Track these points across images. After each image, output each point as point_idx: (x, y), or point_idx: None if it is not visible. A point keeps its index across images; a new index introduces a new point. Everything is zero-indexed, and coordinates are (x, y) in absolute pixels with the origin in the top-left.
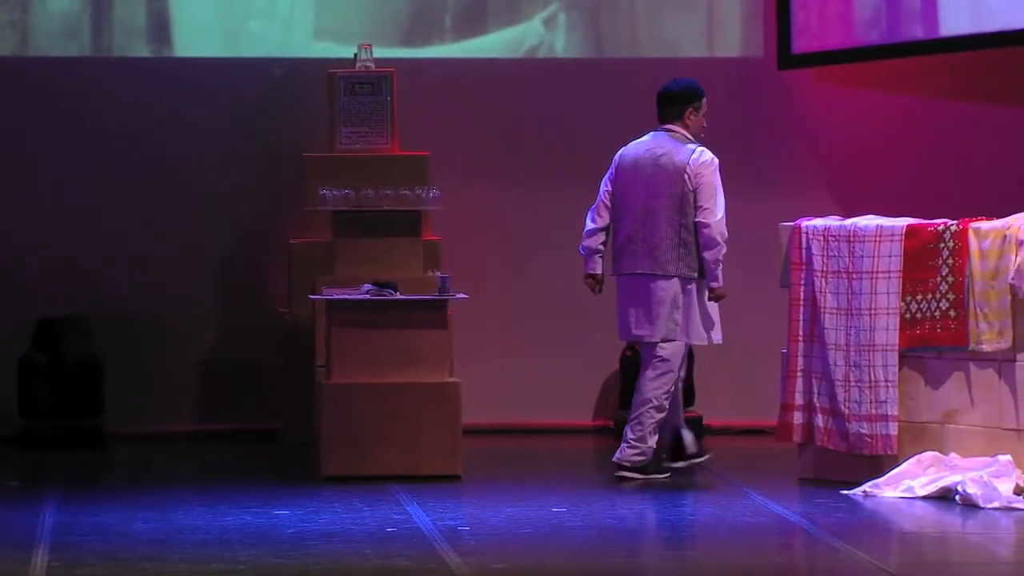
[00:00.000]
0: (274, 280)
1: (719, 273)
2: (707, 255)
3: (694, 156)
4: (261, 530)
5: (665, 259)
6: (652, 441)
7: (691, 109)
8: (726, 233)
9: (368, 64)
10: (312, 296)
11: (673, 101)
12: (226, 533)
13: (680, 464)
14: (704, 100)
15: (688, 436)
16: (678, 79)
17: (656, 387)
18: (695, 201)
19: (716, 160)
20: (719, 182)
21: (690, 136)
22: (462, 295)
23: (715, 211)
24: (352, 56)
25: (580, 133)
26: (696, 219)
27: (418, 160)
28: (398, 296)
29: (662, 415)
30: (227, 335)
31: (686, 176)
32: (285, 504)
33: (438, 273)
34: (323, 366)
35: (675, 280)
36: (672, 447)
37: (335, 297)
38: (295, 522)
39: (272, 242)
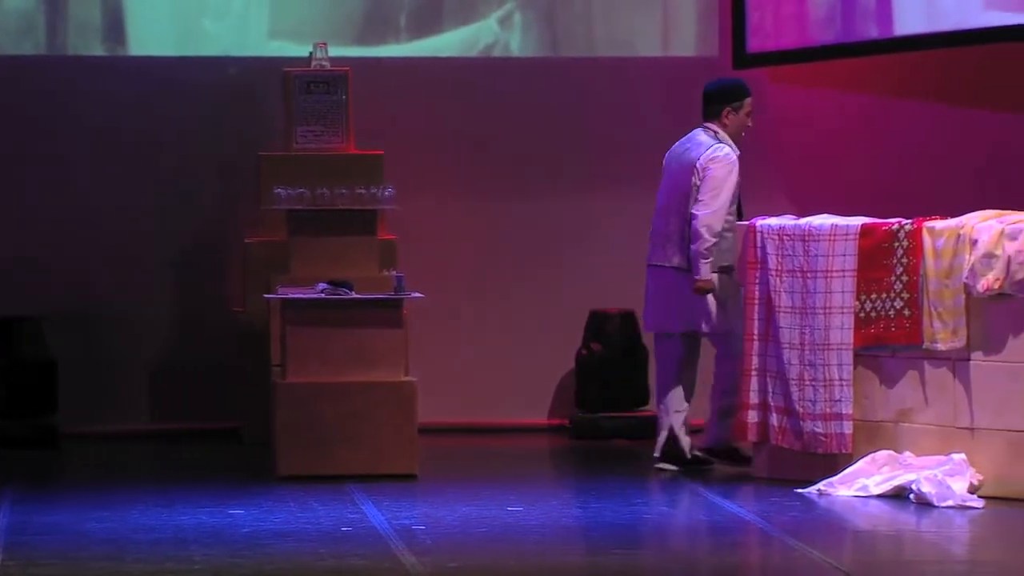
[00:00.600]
0: (230, 279)
1: (701, 265)
2: (692, 247)
3: (707, 152)
4: (216, 529)
5: (672, 251)
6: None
7: (729, 108)
8: (716, 227)
9: (323, 63)
10: (267, 295)
11: (711, 100)
12: (181, 532)
13: (672, 467)
14: (747, 100)
15: (686, 440)
16: (721, 78)
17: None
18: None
19: (732, 157)
20: (727, 178)
21: (727, 135)
22: (417, 294)
23: (709, 204)
24: (307, 55)
25: (535, 132)
26: (690, 209)
27: (373, 159)
28: (353, 295)
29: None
30: (183, 334)
31: (695, 170)
32: (240, 503)
33: (393, 272)
34: (278, 365)
35: (671, 271)
36: (668, 448)
37: (290, 296)
38: (250, 521)
39: (227, 241)
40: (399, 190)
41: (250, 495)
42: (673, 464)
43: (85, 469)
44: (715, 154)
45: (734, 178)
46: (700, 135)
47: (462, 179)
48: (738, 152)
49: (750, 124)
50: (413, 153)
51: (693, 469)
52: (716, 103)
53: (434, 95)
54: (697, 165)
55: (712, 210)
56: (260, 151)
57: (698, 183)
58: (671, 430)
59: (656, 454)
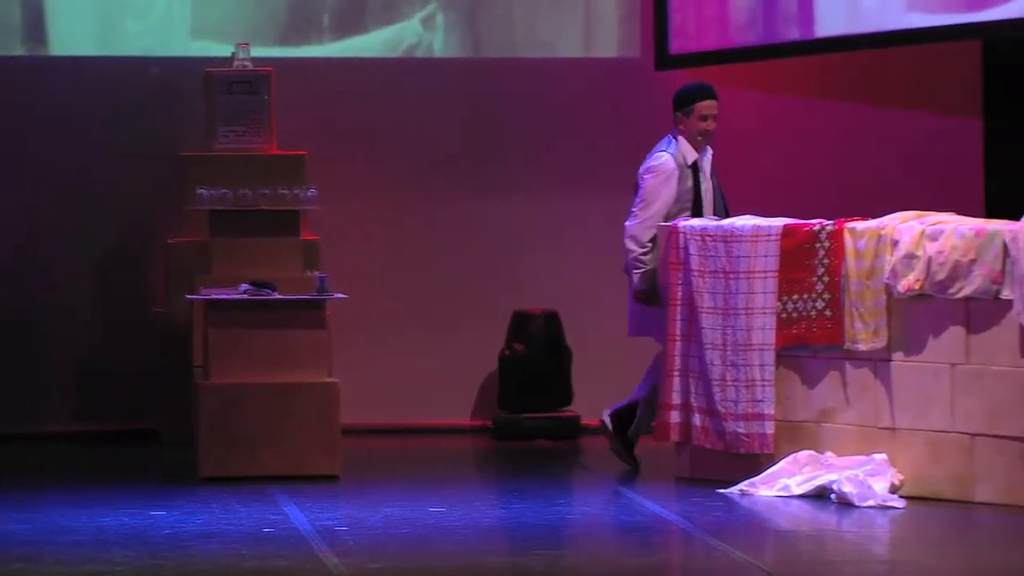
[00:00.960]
0: (151, 280)
1: (633, 276)
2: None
3: (647, 161)
4: (137, 531)
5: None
6: None
7: (680, 114)
8: (642, 238)
9: (246, 63)
10: (189, 296)
11: (673, 106)
12: (102, 534)
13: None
14: (696, 105)
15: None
16: (686, 84)
17: None
18: None
19: (668, 166)
20: (659, 188)
21: (686, 140)
22: (341, 295)
23: (637, 215)
24: (230, 55)
25: (457, 133)
26: None
27: (296, 159)
28: (276, 296)
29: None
30: (104, 335)
31: (637, 178)
32: (162, 505)
33: (316, 273)
34: (200, 366)
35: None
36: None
37: (212, 297)
38: (172, 523)
39: (149, 241)
40: (322, 190)
41: (172, 496)
42: (617, 436)
43: (4, 470)
44: (651, 163)
45: (669, 188)
46: (661, 143)
47: (385, 180)
48: (695, 157)
49: (707, 127)
50: (336, 153)
51: (618, 449)
52: (673, 110)
53: (357, 95)
54: (639, 173)
55: (639, 221)
56: (182, 151)
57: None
58: (641, 420)
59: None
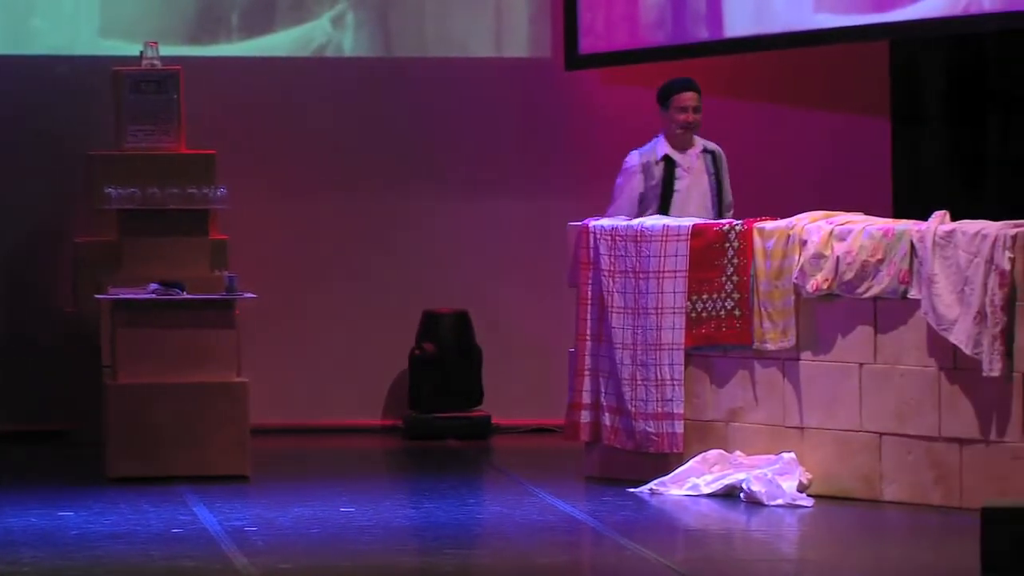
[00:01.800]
0: (60, 279)
1: None
2: None
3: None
4: (45, 531)
5: None
6: None
7: (661, 109)
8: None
9: (154, 62)
10: (98, 296)
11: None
12: (9, 535)
13: None
14: (673, 98)
15: None
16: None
17: None
18: None
19: (629, 162)
20: (622, 186)
21: (666, 135)
22: (250, 295)
23: (606, 213)
24: (138, 54)
25: (368, 132)
26: None
27: (205, 159)
28: (185, 295)
29: None
30: (12, 335)
31: None
32: (70, 505)
33: (225, 272)
34: (109, 366)
35: None
36: None
37: (121, 297)
38: (80, 523)
39: (58, 241)
40: (231, 190)
41: (80, 497)
42: None
43: None
44: (623, 163)
45: (631, 186)
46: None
47: (295, 179)
48: (667, 151)
49: (686, 119)
50: (246, 153)
51: None
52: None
53: (266, 95)
54: None
55: (605, 217)
56: (91, 151)
57: None
58: None
59: None
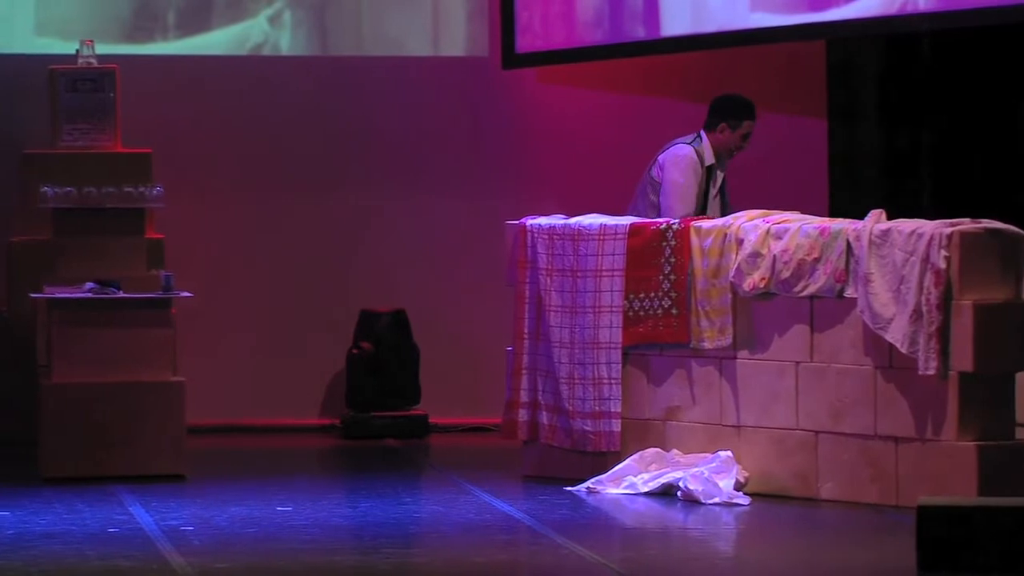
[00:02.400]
0: None
1: None
2: None
3: (670, 151)
4: None
5: None
6: None
7: (725, 123)
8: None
9: (90, 60)
10: (33, 295)
11: (712, 111)
12: None
13: None
14: (746, 122)
15: None
16: (734, 94)
17: None
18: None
19: (692, 156)
20: (687, 181)
21: (712, 145)
22: (186, 293)
23: (673, 209)
24: (74, 52)
25: (305, 131)
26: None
27: (141, 158)
28: (121, 295)
29: None
30: None
31: (655, 168)
32: (4, 505)
33: (162, 272)
34: (45, 366)
35: None
36: None
37: (56, 296)
38: (15, 523)
39: None
40: (168, 189)
41: (15, 497)
42: None
43: None
44: (676, 153)
45: (698, 177)
46: (684, 137)
47: (232, 178)
48: (711, 162)
49: (743, 148)
50: (182, 152)
51: None
52: (715, 115)
53: (203, 93)
54: (658, 162)
55: (681, 214)
56: (26, 149)
57: (655, 182)
58: None
59: None
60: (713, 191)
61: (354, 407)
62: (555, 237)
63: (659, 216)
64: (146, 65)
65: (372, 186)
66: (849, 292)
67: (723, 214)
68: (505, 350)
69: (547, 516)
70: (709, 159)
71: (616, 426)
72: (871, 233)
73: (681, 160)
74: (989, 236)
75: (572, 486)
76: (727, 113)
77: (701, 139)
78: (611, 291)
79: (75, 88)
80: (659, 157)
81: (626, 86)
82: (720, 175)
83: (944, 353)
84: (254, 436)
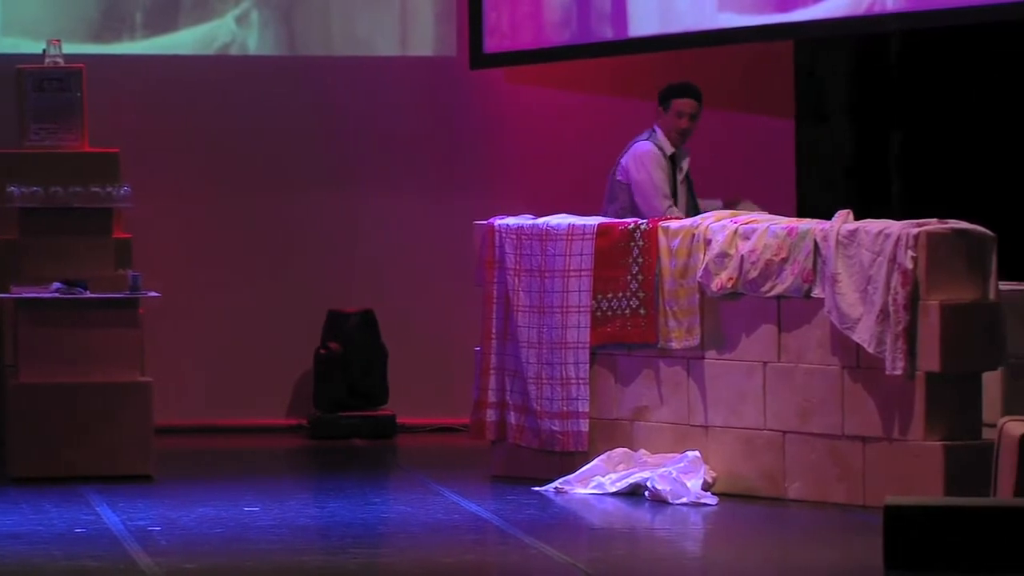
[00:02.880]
0: None
1: None
2: None
3: (630, 151)
4: None
5: None
6: None
7: (660, 108)
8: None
9: (57, 60)
10: (0, 295)
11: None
12: None
13: None
14: (675, 101)
15: None
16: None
17: None
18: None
19: (653, 151)
20: (651, 178)
21: (663, 134)
22: (154, 294)
23: (654, 207)
24: (41, 52)
25: (273, 131)
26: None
27: (109, 157)
28: (88, 295)
29: None
30: None
31: (617, 171)
32: None
33: (129, 271)
34: (12, 366)
35: None
36: None
37: (23, 296)
38: None
39: None
40: (135, 189)
41: None
42: None
43: None
44: (636, 152)
45: (663, 171)
46: (641, 134)
47: (199, 178)
48: (671, 151)
49: (683, 126)
50: (149, 152)
51: None
52: (657, 104)
53: (170, 93)
54: (619, 165)
55: (661, 211)
56: None
57: (623, 183)
58: None
59: None
60: (680, 177)
61: (322, 407)
62: (523, 237)
63: (640, 217)
64: (113, 65)
65: (340, 186)
66: (816, 292)
67: (690, 201)
68: (473, 350)
69: (515, 516)
70: (668, 148)
71: (584, 426)
72: (838, 233)
73: (644, 157)
74: (956, 236)
75: (540, 486)
76: (659, 99)
77: (656, 132)
78: (579, 291)
79: (42, 88)
80: (621, 160)
81: (594, 86)
82: (685, 162)
83: (911, 353)
84: (221, 436)
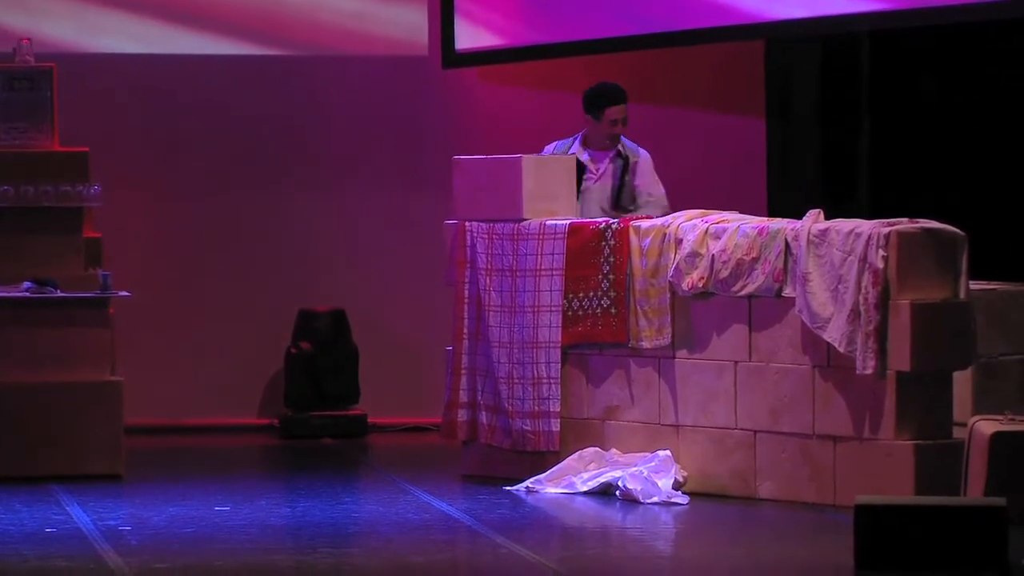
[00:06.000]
0: None
1: None
2: None
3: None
4: None
5: None
6: None
7: (589, 116)
8: None
9: (28, 59)
10: None
11: (583, 106)
12: None
13: None
14: (607, 110)
15: None
16: (598, 83)
17: None
18: None
19: (545, 152)
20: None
21: (591, 139)
22: (124, 293)
23: None
24: (11, 51)
25: (243, 129)
26: None
27: (79, 156)
28: (58, 294)
29: None
30: None
31: None
32: None
33: (100, 271)
34: None
35: None
36: None
37: None
38: None
39: None
40: (105, 188)
41: None
42: None
43: None
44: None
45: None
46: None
47: (170, 177)
48: (586, 156)
49: (616, 132)
50: (119, 150)
51: None
52: (584, 109)
53: (140, 92)
54: None
55: None
56: None
57: None
58: None
59: None
60: (589, 183)
61: (292, 407)
62: (495, 237)
63: None
64: (83, 64)
65: (311, 185)
66: (787, 291)
67: (615, 201)
68: (445, 350)
69: (486, 515)
70: (575, 154)
71: (555, 425)
72: (809, 233)
73: (542, 153)
74: (927, 236)
75: (511, 486)
76: (586, 106)
77: (577, 136)
78: (550, 291)
79: (12, 87)
80: None
81: (566, 85)
82: (606, 165)
83: (882, 352)
84: (192, 436)
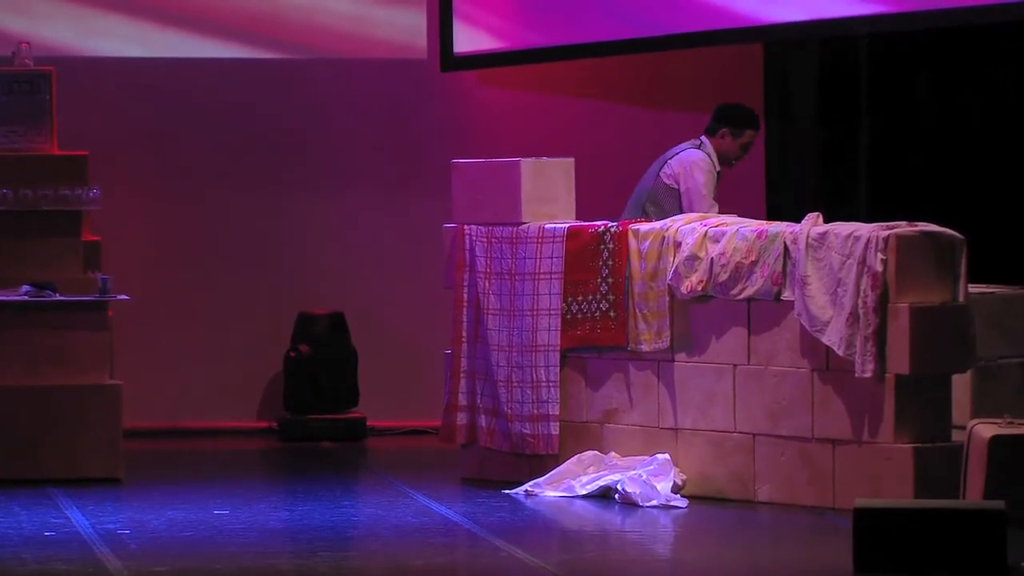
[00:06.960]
0: None
1: None
2: None
3: (684, 157)
4: None
5: None
6: None
7: (727, 129)
8: None
9: (27, 62)
10: None
11: (715, 116)
12: None
13: None
14: (748, 131)
15: None
16: (738, 103)
17: None
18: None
19: (710, 160)
20: (710, 180)
21: (712, 152)
22: (123, 296)
23: (704, 211)
24: (10, 54)
25: (242, 133)
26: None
27: (78, 160)
28: (58, 297)
29: None
30: None
31: (666, 177)
32: None
33: (99, 274)
34: None
35: None
36: None
37: None
38: None
39: None
40: (104, 191)
41: None
42: None
43: None
44: (694, 159)
45: (715, 181)
46: (690, 142)
47: (169, 180)
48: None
49: (743, 158)
50: (119, 154)
51: None
52: (717, 121)
53: (139, 95)
54: (672, 169)
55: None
56: None
57: (671, 187)
58: None
59: None
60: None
61: (291, 410)
62: (493, 240)
63: None
64: (82, 67)
65: (310, 188)
66: (786, 295)
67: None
68: (443, 353)
69: (485, 519)
70: (716, 165)
71: (554, 429)
72: (808, 236)
73: (701, 163)
74: (925, 239)
75: (510, 489)
76: (728, 120)
77: (704, 144)
78: (549, 294)
79: (11, 90)
80: (671, 164)
81: (565, 89)
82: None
83: (881, 355)
84: (191, 439)
